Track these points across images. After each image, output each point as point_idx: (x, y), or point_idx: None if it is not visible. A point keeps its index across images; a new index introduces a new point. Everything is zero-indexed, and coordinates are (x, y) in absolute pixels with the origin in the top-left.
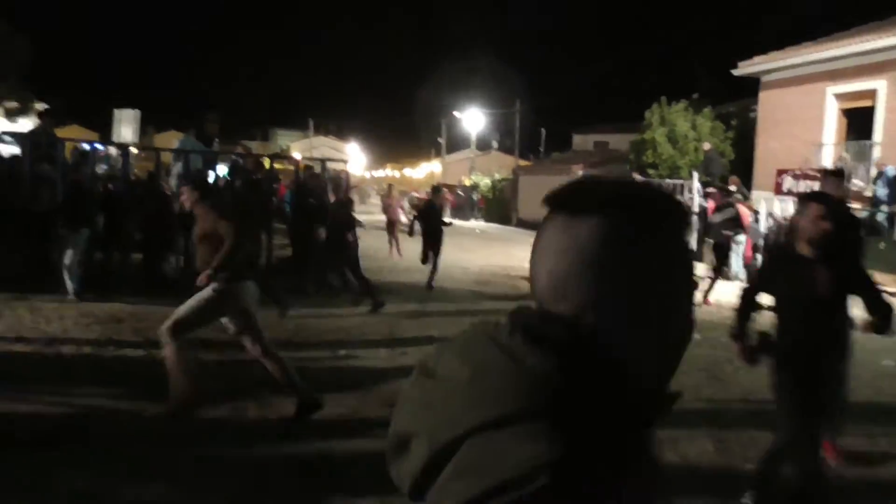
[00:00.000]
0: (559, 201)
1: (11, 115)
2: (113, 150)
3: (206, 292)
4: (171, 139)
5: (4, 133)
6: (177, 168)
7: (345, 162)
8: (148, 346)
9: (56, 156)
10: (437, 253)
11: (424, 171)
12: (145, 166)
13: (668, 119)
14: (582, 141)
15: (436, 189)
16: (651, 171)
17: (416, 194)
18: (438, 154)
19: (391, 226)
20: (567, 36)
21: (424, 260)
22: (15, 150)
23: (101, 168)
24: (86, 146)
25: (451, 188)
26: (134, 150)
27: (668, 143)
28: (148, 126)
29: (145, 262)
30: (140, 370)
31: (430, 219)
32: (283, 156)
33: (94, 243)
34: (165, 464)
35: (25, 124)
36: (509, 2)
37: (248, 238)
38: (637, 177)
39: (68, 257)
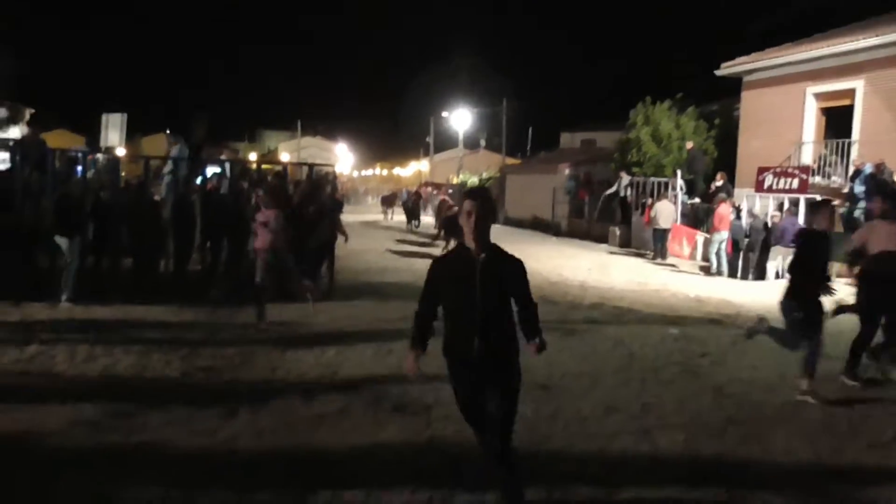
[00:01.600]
0: None
1: (2, 124)
2: (101, 156)
3: None
4: (158, 142)
5: None
6: (168, 176)
7: (332, 164)
8: (138, 350)
9: (47, 164)
10: None
11: (413, 169)
12: (133, 170)
13: (653, 118)
14: (569, 139)
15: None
16: (636, 170)
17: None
18: (427, 153)
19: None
20: (556, 35)
21: None
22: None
23: (89, 174)
24: (75, 153)
25: (439, 186)
26: (121, 156)
27: (653, 141)
28: (135, 130)
29: (136, 268)
30: (131, 374)
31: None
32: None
33: (85, 250)
34: (156, 462)
35: (15, 132)
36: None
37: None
38: (623, 175)
39: (66, 264)
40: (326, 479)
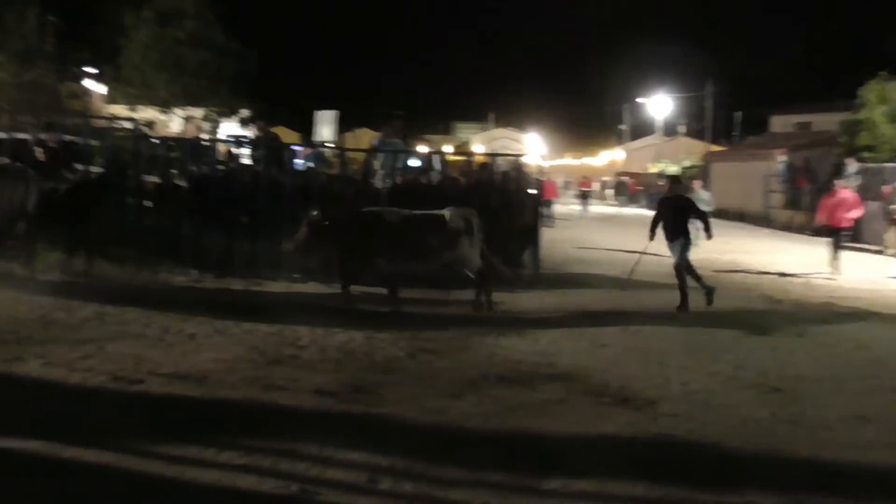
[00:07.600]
0: None
1: (245, 123)
2: (321, 150)
3: None
4: (360, 136)
5: (236, 136)
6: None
7: (521, 154)
8: (369, 330)
9: (284, 158)
10: None
11: (605, 159)
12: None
13: (890, 96)
14: (781, 123)
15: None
16: (868, 154)
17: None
18: (620, 141)
19: None
20: (763, 4)
21: None
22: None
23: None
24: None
25: (635, 176)
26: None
27: (891, 122)
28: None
29: None
30: (364, 351)
31: None
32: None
33: None
34: (394, 432)
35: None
36: None
37: None
38: (850, 162)
39: None
40: (555, 466)
